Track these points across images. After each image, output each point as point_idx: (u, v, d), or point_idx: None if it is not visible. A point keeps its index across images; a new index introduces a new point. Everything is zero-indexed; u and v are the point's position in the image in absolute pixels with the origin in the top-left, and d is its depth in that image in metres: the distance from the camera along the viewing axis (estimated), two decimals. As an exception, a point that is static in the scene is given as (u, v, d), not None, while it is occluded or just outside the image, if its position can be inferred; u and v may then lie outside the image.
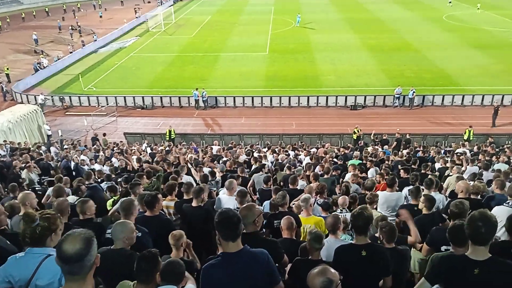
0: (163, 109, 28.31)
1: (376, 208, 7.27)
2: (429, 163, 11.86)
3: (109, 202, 8.35)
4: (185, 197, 7.16)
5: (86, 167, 13.31)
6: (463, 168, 10.94)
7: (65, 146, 17.79)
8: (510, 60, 33.29)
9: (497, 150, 16.24)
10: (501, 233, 4.97)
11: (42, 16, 60.65)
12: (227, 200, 7.22)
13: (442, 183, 9.51)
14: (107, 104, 28.19)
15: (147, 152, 17.01)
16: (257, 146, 19.33)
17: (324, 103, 27.44)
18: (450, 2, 57.37)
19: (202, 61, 37.01)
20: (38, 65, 35.30)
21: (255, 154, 14.52)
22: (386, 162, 12.99)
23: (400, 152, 14.94)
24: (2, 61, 38.41)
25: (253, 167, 12.05)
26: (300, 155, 15.68)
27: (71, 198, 7.61)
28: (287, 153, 15.99)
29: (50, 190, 7.60)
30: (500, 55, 34.74)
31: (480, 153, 14.63)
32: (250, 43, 42.04)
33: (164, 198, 7.29)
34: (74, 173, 12.46)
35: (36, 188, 9.31)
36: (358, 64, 34.32)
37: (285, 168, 11.33)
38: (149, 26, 51.36)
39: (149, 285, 3.37)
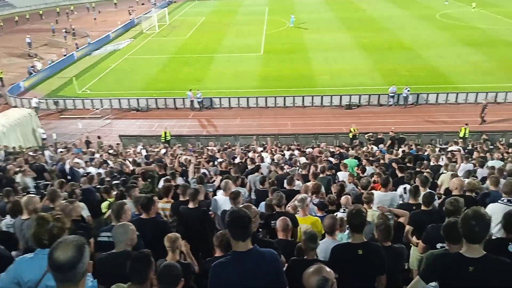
0: (158, 111, 28.26)
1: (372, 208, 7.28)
2: (425, 161, 11.90)
3: (104, 205, 8.33)
4: (181, 198, 7.16)
5: (81, 170, 13.27)
6: (457, 166, 10.98)
7: (60, 150, 17.69)
8: (502, 58, 33.52)
9: (490, 147, 16.33)
10: (495, 230, 4.99)
11: (35, 19, 60.36)
12: (224, 201, 7.21)
13: (436, 181, 9.56)
14: (102, 107, 28.11)
15: (142, 154, 16.96)
16: (253, 146, 19.30)
17: (319, 102, 27.49)
18: (446, 0, 57.56)
19: (197, 62, 36.98)
20: (32, 68, 35.14)
21: (250, 155, 14.52)
22: (382, 161, 13.03)
23: (395, 151, 14.97)
24: (-5, 65, 38.23)
25: (249, 167, 12.02)
26: (295, 155, 15.67)
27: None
28: (282, 153, 15.99)
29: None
30: (492, 52, 34.93)
31: (474, 150, 14.70)
32: (245, 43, 42.05)
33: (159, 200, 7.30)
34: (69, 176, 12.40)
35: (31, 192, 9.25)
36: (352, 63, 34.40)
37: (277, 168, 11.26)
38: (143, 28, 51.22)
39: (143, 286, 3.37)
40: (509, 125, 22.74)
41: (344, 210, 6.83)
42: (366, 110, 26.62)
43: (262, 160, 12.31)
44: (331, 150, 16.54)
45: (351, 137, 21.36)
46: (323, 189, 8.17)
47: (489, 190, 7.20)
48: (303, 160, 13.72)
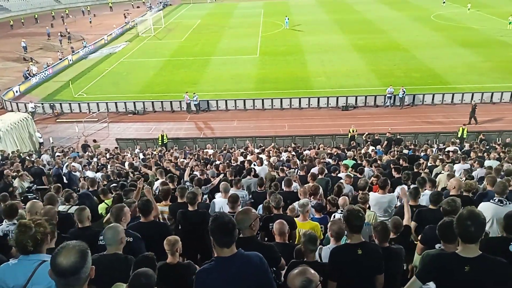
0: (155, 114, 28.23)
1: (369, 208, 7.32)
2: (423, 162, 11.94)
3: (101, 206, 8.31)
4: (179, 200, 7.16)
5: (78, 174, 13.24)
6: (455, 167, 11.03)
7: (57, 154, 17.65)
8: (497, 58, 33.72)
9: (487, 147, 16.41)
10: (487, 228, 5.05)
11: (30, 23, 60.24)
12: (222, 203, 7.23)
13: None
14: (98, 110, 28.05)
15: (139, 158, 16.94)
16: (250, 149, 19.28)
17: (315, 104, 27.56)
18: (444, 2, 57.80)
19: (193, 65, 36.98)
20: (28, 72, 35.04)
21: (248, 157, 14.51)
22: (379, 162, 13.06)
23: (392, 152, 15.03)
24: (-10, 69, 38.12)
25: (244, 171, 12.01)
26: (293, 157, 15.67)
27: (62, 207, 7.53)
28: (279, 156, 15.98)
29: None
30: (487, 53, 35.15)
31: (471, 150, 14.78)
32: (241, 46, 42.11)
33: (158, 204, 7.30)
34: (66, 180, 12.38)
35: (29, 197, 9.22)
36: (348, 65, 34.50)
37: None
38: (139, 31, 51.23)
39: None
40: (505, 125, 22.86)
41: (342, 211, 6.86)
42: (362, 111, 26.70)
43: (261, 163, 12.28)
44: (328, 151, 16.58)
45: (349, 138, 21.40)
46: (321, 191, 8.20)
47: (486, 190, 7.24)
48: (299, 162, 13.74)
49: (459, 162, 11.74)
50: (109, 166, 14.23)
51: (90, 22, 59.86)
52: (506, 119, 23.98)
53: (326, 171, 10.45)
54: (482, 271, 3.14)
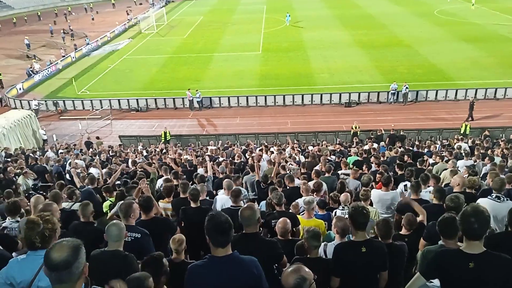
0: (157, 111, 28.26)
1: (371, 205, 7.31)
2: (427, 158, 11.90)
3: (106, 204, 8.33)
4: (181, 196, 7.18)
5: (79, 171, 13.25)
6: (458, 163, 11.00)
7: (60, 151, 17.70)
8: (500, 53, 33.54)
9: (490, 143, 16.35)
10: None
11: (33, 21, 60.32)
12: (226, 200, 7.23)
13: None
14: (101, 108, 28.11)
15: (142, 154, 16.96)
16: (254, 145, 19.30)
17: (318, 101, 27.50)
18: None
19: (196, 62, 36.97)
20: (31, 70, 35.11)
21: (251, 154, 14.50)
22: (381, 158, 13.02)
23: (394, 148, 14.98)
24: (-6, 67, 38.22)
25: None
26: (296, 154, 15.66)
27: (65, 204, 7.56)
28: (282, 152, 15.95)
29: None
30: (490, 48, 34.97)
31: (475, 146, 14.73)
32: (243, 42, 42.04)
33: (161, 201, 7.32)
34: (69, 177, 12.40)
35: (33, 194, 9.25)
36: (351, 61, 34.40)
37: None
38: (142, 28, 51.21)
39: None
40: (509, 121, 22.76)
41: (343, 207, 6.85)
42: (365, 108, 26.64)
43: (259, 160, 12.27)
44: (331, 148, 16.56)
45: (352, 134, 21.37)
46: (324, 187, 8.18)
47: (489, 187, 7.22)
48: (303, 158, 13.74)
49: (463, 159, 11.70)
50: (112, 163, 14.24)
51: (93, 19, 59.90)
52: (509, 115, 23.86)
53: (333, 169, 10.36)
54: (486, 268, 3.14)
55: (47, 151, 18.36)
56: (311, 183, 8.05)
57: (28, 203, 7.57)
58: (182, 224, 6.50)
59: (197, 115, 27.39)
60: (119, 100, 28.70)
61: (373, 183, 8.63)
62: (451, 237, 3.89)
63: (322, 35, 42.61)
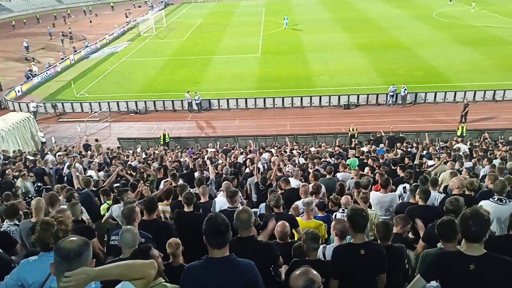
0: (156, 113, 28.24)
1: (370, 207, 7.30)
2: (426, 160, 11.90)
3: (103, 207, 8.33)
4: (179, 198, 7.16)
5: (77, 174, 13.21)
6: (457, 165, 10.98)
7: (59, 153, 17.67)
8: (499, 56, 33.59)
9: (489, 145, 16.35)
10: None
11: (32, 23, 60.35)
12: (224, 202, 7.21)
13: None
14: (100, 110, 28.08)
15: (141, 156, 16.94)
16: (254, 148, 19.28)
17: (317, 103, 27.52)
18: (450, 0, 57.39)
19: (195, 64, 36.99)
20: (30, 72, 35.09)
21: (250, 156, 14.47)
22: (380, 160, 13.00)
23: (394, 150, 14.98)
24: (-8, 69, 38.21)
25: (246, 170, 12.00)
26: (294, 156, 15.64)
27: (64, 207, 7.54)
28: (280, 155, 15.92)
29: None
30: (489, 51, 35.02)
31: (473, 149, 14.72)
32: (242, 45, 42.09)
33: (160, 203, 7.30)
34: (67, 180, 12.36)
35: (33, 197, 9.22)
36: (350, 63, 34.45)
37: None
38: (141, 30, 51.27)
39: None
40: (507, 123, 22.76)
41: (344, 210, 6.84)
42: (364, 110, 26.65)
43: (252, 162, 12.27)
44: (330, 150, 16.54)
45: (349, 136, 21.37)
46: (323, 189, 8.17)
47: (489, 189, 7.22)
48: (302, 160, 13.73)
49: (462, 161, 11.70)
50: (112, 167, 14.22)
51: (90, 21, 59.95)
52: (508, 117, 23.89)
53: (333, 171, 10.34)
54: (487, 270, 3.13)
55: (47, 153, 18.32)
56: (310, 185, 8.04)
57: (26, 206, 7.56)
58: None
59: (196, 117, 27.38)
60: (118, 102, 28.68)
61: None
62: (450, 240, 3.89)
63: (321, 38, 42.69)
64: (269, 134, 23.53)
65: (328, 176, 9.70)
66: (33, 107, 27.72)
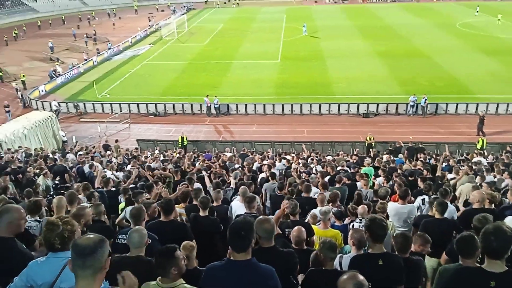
0: (175, 116, 28.52)
1: (387, 217, 7.21)
2: (446, 173, 11.70)
3: (121, 206, 8.44)
4: (194, 202, 7.21)
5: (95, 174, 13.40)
6: (477, 179, 10.77)
7: (80, 153, 17.98)
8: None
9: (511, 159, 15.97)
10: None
11: (58, 24, 61.71)
12: (239, 207, 7.23)
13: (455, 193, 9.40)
14: (121, 111, 28.51)
15: (159, 159, 17.09)
16: (268, 153, 19.29)
17: (336, 110, 27.37)
18: (477, 11, 56.47)
19: (214, 69, 37.26)
20: (54, 72, 35.88)
21: (266, 162, 14.46)
22: (399, 171, 12.83)
23: (413, 161, 14.77)
24: (18, 68, 39.16)
25: (261, 175, 11.97)
26: (312, 163, 15.56)
27: (83, 206, 7.65)
28: (298, 162, 15.86)
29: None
30: (513, 62, 34.33)
31: (495, 162, 14.42)
32: (262, 50, 42.22)
33: (177, 205, 7.36)
34: (88, 179, 12.54)
35: (51, 194, 9.40)
36: (369, 71, 34.22)
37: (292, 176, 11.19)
38: (163, 34, 51.94)
39: (169, 278, 3.46)
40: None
41: (361, 220, 6.77)
42: (383, 119, 26.40)
43: (270, 168, 12.24)
44: (347, 159, 16.42)
45: (366, 146, 21.17)
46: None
47: (510, 204, 7.06)
48: (319, 168, 13.66)
49: (483, 174, 11.46)
50: (129, 166, 14.38)
51: (113, 24, 61.01)
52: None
53: (343, 180, 10.28)
54: (509, 286, 3.06)
55: (68, 152, 18.66)
56: (327, 193, 8.00)
57: (46, 203, 7.70)
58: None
59: (214, 122, 27.54)
60: (138, 104, 29.07)
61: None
62: (470, 256, 3.80)
63: (341, 45, 42.54)
64: (286, 140, 23.49)
65: (337, 185, 9.65)
66: (55, 106, 28.29)
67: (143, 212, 5.12)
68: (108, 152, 19.54)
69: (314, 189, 8.92)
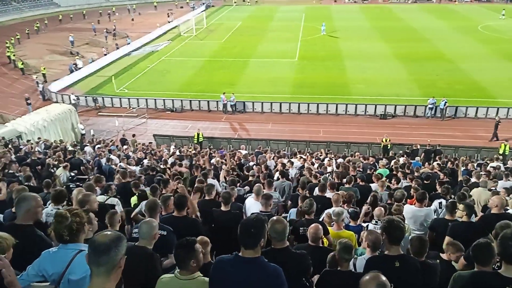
0: (192, 112, 28.69)
1: (403, 220, 7.13)
2: (467, 177, 11.51)
3: (134, 199, 8.53)
4: (206, 197, 7.26)
5: (114, 167, 13.59)
6: (492, 184, 10.59)
7: (98, 146, 18.25)
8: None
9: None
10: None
11: (78, 19, 62.57)
12: (252, 204, 7.26)
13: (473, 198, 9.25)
14: (138, 106, 28.82)
15: (175, 154, 17.23)
16: (284, 152, 19.27)
17: (353, 111, 27.17)
18: (503, 14, 55.29)
19: (232, 66, 37.34)
20: (74, 66, 36.43)
21: (280, 161, 14.45)
22: (416, 173, 12.68)
23: (430, 164, 14.58)
24: (39, 61, 39.87)
25: (277, 174, 11.96)
26: (324, 163, 15.49)
27: (101, 198, 7.78)
28: (312, 162, 15.81)
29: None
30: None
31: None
32: (280, 49, 42.11)
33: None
34: (105, 172, 12.72)
35: (71, 186, 9.55)
36: (388, 73, 33.86)
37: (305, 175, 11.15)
38: (181, 30, 52.22)
39: (188, 271, 3.51)
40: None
41: (377, 222, 6.72)
42: (401, 121, 26.11)
43: (284, 166, 12.22)
44: (363, 160, 16.28)
45: (382, 147, 20.98)
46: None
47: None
48: (334, 168, 13.58)
49: (501, 179, 11.27)
50: (146, 161, 14.54)
51: (132, 20, 61.61)
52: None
53: (353, 181, 10.18)
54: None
55: (86, 145, 18.94)
56: (341, 194, 7.95)
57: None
58: (212, 226, 6.55)
59: (230, 119, 27.62)
60: (155, 99, 29.34)
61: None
62: (485, 264, 3.72)
63: (360, 46, 42.14)
64: (302, 139, 23.44)
65: (347, 185, 9.59)
66: (73, 99, 28.73)
67: (158, 205, 5.19)
68: (125, 147, 19.78)
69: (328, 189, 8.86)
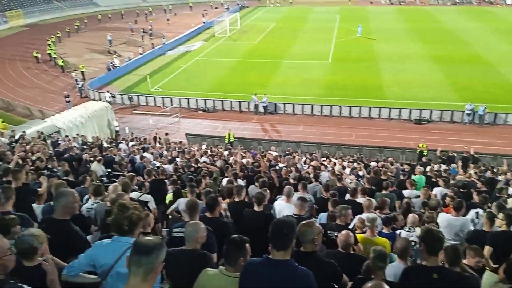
0: (223, 113, 28.92)
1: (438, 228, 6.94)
2: (506, 186, 11.08)
3: (169, 196, 8.68)
4: (236, 199, 7.27)
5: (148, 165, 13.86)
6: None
7: (132, 143, 18.67)
8: None
9: None
10: None
11: (117, 18, 64.22)
12: (283, 206, 7.22)
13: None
14: (172, 105, 29.31)
15: (207, 154, 17.41)
16: (315, 154, 19.14)
17: (386, 115, 26.63)
18: None
19: (264, 67, 37.39)
20: (111, 64, 37.45)
21: (313, 163, 14.36)
22: (452, 181, 12.32)
23: (467, 172, 14.10)
24: (78, 59, 41.24)
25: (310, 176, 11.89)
26: (357, 168, 15.26)
27: (134, 194, 7.95)
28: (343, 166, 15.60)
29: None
30: None
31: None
32: (313, 51, 41.82)
33: (223, 201, 7.46)
34: (139, 169, 12.99)
35: (104, 181, 9.82)
36: (424, 76, 33.01)
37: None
38: (215, 31, 52.73)
39: (235, 268, 3.51)
40: None
41: (409, 229, 6.57)
42: (437, 126, 25.39)
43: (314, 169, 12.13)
44: (398, 166, 15.96)
45: (418, 153, 20.46)
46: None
47: None
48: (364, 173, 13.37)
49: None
50: (179, 160, 14.76)
51: (168, 20, 62.70)
52: None
53: (389, 187, 9.98)
54: None
55: (120, 142, 19.42)
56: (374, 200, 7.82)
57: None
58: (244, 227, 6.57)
59: (261, 120, 27.65)
60: (188, 99, 29.77)
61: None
62: None
63: (396, 48, 41.27)
64: (333, 143, 23.17)
65: (384, 191, 9.41)
66: (108, 97, 29.53)
67: (199, 205, 5.25)
68: (158, 145, 20.14)
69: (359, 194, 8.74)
